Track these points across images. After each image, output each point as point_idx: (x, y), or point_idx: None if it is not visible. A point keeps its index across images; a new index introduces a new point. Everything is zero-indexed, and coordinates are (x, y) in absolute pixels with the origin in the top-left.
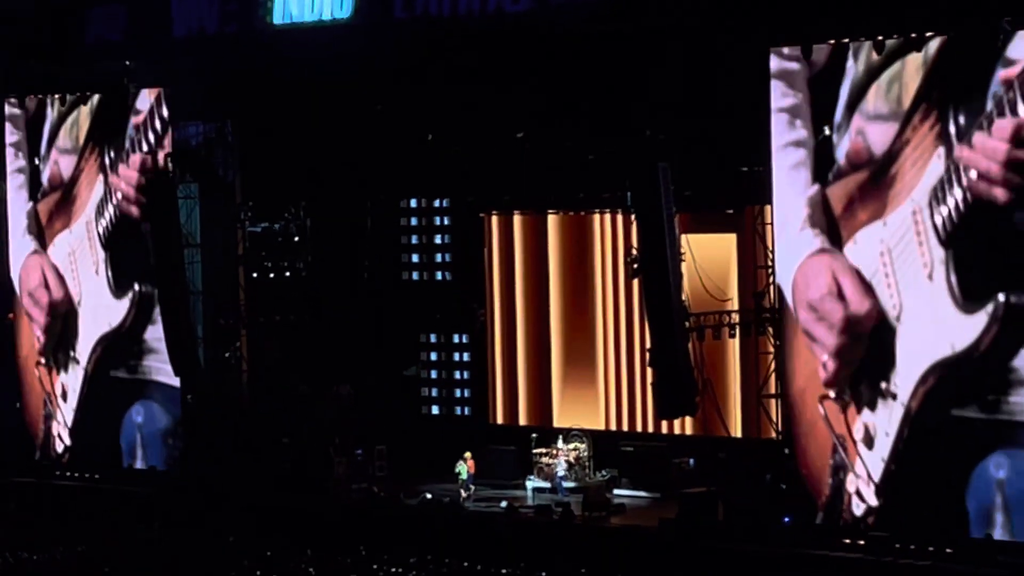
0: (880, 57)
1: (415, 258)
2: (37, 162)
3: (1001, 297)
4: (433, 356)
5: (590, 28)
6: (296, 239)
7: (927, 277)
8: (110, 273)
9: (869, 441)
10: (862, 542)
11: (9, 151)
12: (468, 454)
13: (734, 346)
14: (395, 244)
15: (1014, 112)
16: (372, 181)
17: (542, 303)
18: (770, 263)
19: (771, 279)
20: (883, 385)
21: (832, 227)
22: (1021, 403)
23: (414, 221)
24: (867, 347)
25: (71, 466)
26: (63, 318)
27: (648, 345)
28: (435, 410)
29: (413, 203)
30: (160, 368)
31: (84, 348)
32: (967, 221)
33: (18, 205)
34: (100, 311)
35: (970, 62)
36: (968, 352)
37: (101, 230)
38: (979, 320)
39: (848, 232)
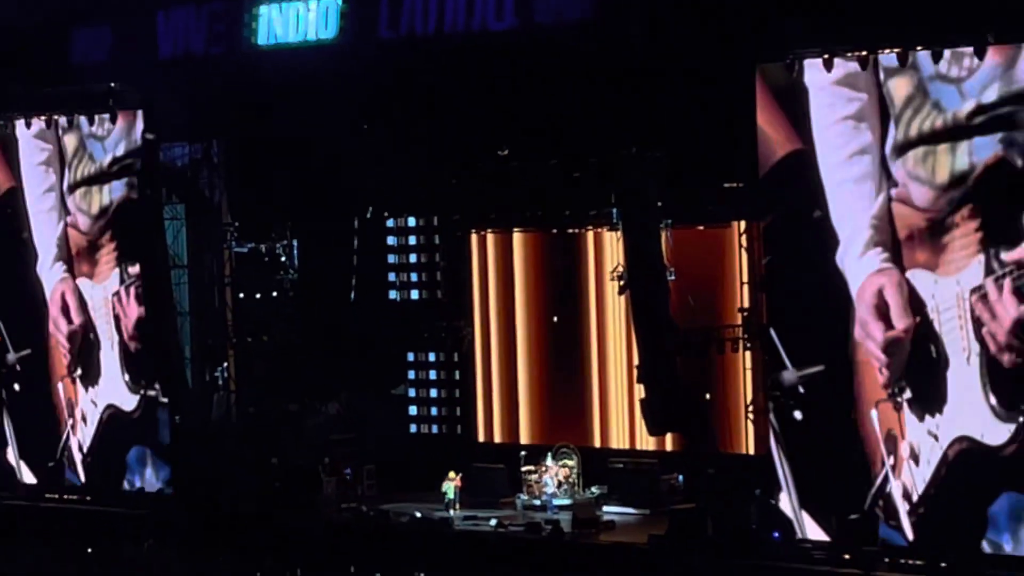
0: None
1: (402, 276)
2: (65, 187)
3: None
4: (421, 375)
5: (575, 45)
6: (283, 259)
7: (965, 360)
8: (123, 359)
9: (915, 459)
10: (847, 556)
11: (39, 169)
12: (453, 473)
13: (722, 362)
14: (382, 263)
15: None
16: (358, 200)
17: (529, 321)
18: (745, 279)
19: (755, 294)
20: (928, 418)
21: (895, 246)
22: None
23: (400, 240)
24: (910, 367)
25: (79, 488)
26: (87, 353)
27: (637, 362)
28: (423, 429)
29: (399, 222)
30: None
31: (101, 398)
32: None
33: (48, 227)
34: (115, 382)
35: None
36: (997, 449)
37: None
38: (1008, 427)
39: (908, 263)
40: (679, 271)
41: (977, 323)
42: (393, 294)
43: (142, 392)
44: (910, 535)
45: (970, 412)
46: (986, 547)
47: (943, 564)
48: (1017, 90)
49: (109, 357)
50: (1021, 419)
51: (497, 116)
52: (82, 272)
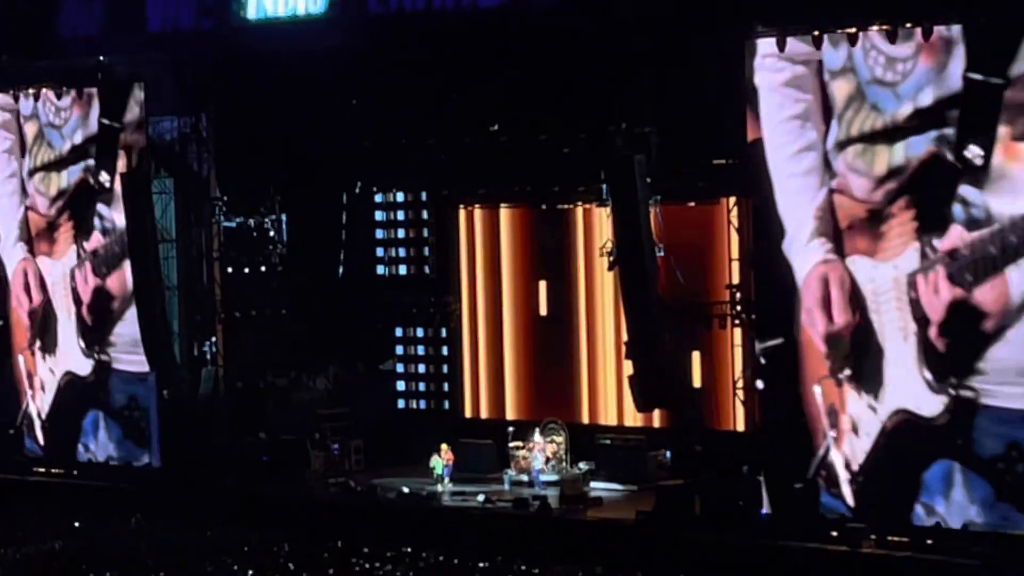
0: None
1: (390, 252)
2: (25, 172)
3: (955, 392)
4: (409, 350)
5: (564, 21)
6: (271, 233)
7: (902, 339)
8: (79, 329)
9: (855, 429)
10: (835, 533)
11: (3, 157)
12: (445, 446)
13: (711, 338)
14: (370, 238)
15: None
16: (347, 175)
17: (517, 296)
18: (734, 255)
19: (744, 271)
20: (866, 395)
21: (837, 236)
22: None
23: (388, 215)
24: (851, 355)
25: (44, 460)
26: (45, 325)
27: (625, 338)
28: (411, 404)
29: (388, 196)
30: (118, 358)
31: (59, 366)
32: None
33: (10, 211)
34: (71, 350)
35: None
36: (931, 419)
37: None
38: (941, 399)
39: (848, 250)
40: (668, 247)
41: (914, 304)
42: (381, 269)
43: (96, 357)
44: (851, 502)
45: (906, 387)
46: (919, 511)
47: (929, 541)
48: (949, 93)
49: (67, 328)
50: (952, 392)
51: (486, 91)
52: (41, 251)
